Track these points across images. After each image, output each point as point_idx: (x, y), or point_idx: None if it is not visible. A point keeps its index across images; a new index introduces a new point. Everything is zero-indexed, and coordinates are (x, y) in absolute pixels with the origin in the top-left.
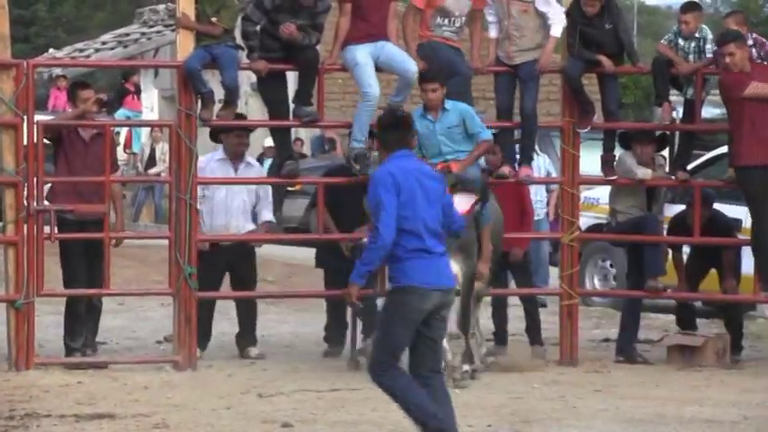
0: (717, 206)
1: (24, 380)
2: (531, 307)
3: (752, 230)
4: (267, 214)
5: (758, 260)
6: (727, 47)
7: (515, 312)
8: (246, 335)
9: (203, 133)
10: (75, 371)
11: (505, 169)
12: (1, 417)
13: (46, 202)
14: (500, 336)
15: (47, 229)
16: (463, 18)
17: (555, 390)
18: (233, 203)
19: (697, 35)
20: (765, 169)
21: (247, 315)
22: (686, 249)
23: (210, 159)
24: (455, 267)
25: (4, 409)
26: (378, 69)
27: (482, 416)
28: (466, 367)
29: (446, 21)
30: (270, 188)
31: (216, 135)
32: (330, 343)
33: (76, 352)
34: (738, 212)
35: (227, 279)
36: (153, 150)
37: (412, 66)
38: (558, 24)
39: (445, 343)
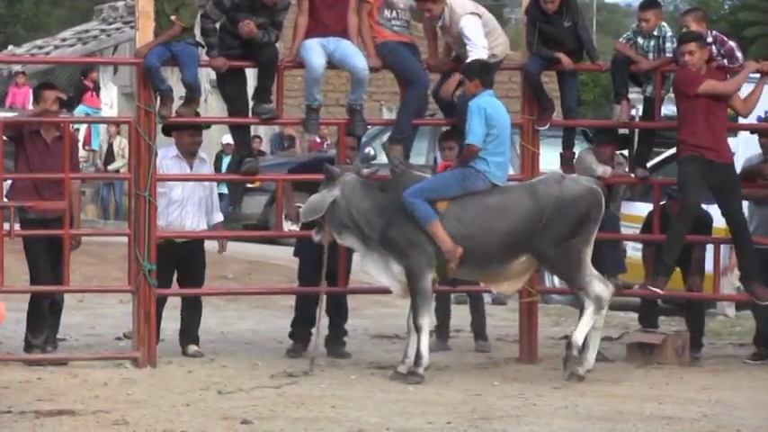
0: None
1: None
2: (478, 302)
3: (679, 218)
4: (218, 215)
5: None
6: (688, 45)
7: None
8: (188, 332)
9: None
10: (34, 367)
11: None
12: None
13: (5, 200)
14: (441, 331)
15: (6, 225)
16: (407, 12)
17: (514, 387)
18: (188, 201)
19: (656, 33)
20: (708, 162)
21: (192, 313)
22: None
23: (164, 156)
24: (394, 266)
25: None
26: (334, 66)
27: (442, 413)
28: (419, 369)
29: (393, 13)
30: (215, 187)
31: (168, 130)
32: (295, 339)
33: (37, 348)
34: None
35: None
36: (111, 146)
37: (361, 62)
38: (473, 56)
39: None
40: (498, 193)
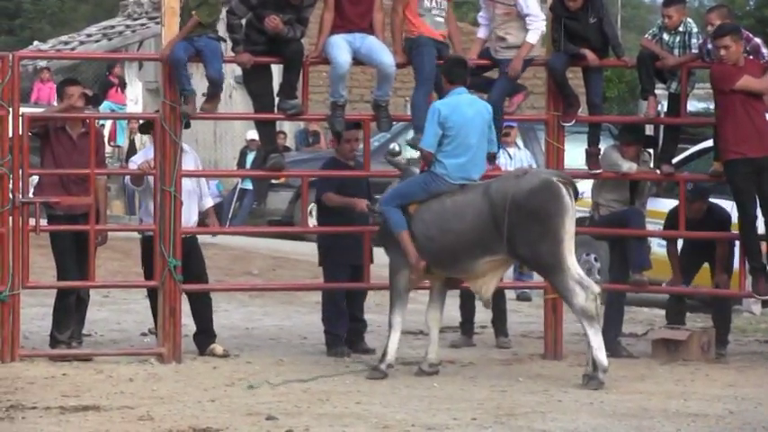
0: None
1: (9, 371)
2: (499, 299)
3: (739, 224)
4: (209, 201)
5: (747, 253)
6: (723, 39)
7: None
8: (206, 332)
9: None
10: (60, 363)
11: None
12: None
13: (31, 196)
14: (466, 327)
15: (32, 221)
16: (444, 2)
17: (539, 383)
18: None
19: (681, 29)
20: (753, 161)
21: (203, 311)
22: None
23: (147, 156)
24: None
25: None
26: (360, 63)
27: (467, 409)
28: (382, 365)
29: (433, 3)
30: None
31: (146, 127)
32: (335, 342)
33: (62, 344)
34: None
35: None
36: (132, 142)
37: (388, 58)
38: (534, 32)
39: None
40: (458, 194)
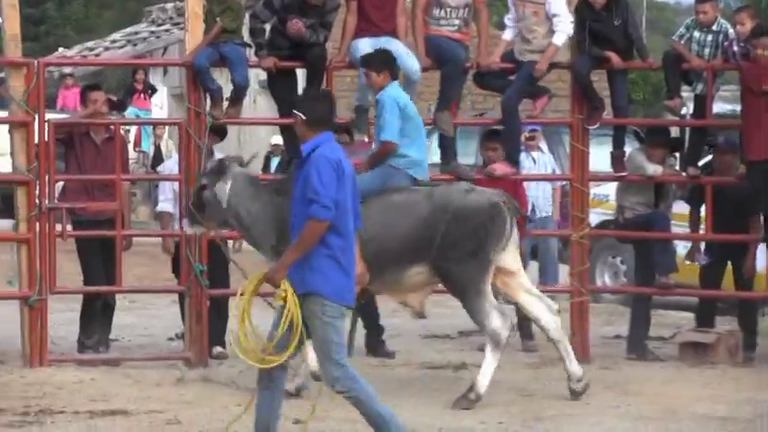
0: None
1: (38, 376)
2: None
3: (765, 224)
4: None
5: None
6: (763, 39)
7: None
8: (216, 333)
9: None
10: (88, 368)
11: (495, 167)
12: (16, 413)
13: (56, 201)
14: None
15: (59, 227)
16: (460, 11)
17: (566, 387)
18: None
19: (715, 28)
20: None
21: (218, 316)
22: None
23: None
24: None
25: (19, 406)
26: None
27: (493, 413)
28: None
29: (443, 12)
30: None
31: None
32: None
33: (89, 349)
34: None
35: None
36: (158, 147)
37: (414, 64)
38: (561, 33)
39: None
40: (404, 192)
